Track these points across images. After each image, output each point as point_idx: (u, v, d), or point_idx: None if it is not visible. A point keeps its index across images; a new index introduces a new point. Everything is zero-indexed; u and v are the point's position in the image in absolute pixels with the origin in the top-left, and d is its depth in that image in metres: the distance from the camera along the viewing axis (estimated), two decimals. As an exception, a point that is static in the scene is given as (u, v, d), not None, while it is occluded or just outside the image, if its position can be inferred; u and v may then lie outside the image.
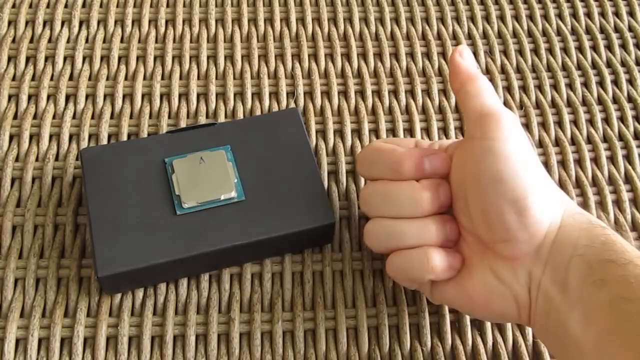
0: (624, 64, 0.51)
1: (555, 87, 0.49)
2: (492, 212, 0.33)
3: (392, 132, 0.46)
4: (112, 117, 0.45)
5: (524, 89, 0.49)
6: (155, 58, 0.48)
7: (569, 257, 0.32)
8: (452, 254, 0.35)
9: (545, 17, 0.53)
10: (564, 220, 0.34)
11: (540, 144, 0.46)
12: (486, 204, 0.33)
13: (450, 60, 0.37)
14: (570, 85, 0.49)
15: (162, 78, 0.47)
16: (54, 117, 0.45)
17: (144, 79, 0.47)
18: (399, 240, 0.36)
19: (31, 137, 0.44)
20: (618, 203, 0.44)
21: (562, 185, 0.44)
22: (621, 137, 0.47)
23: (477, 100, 0.35)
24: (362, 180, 0.43)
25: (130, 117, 0.45)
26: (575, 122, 0.47)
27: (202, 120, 0.45)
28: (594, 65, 0.51)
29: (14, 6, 0.50)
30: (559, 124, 0.47)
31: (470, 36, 0.51)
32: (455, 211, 0.36)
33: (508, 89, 0.49)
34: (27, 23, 0.49)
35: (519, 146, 0.33)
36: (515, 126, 0.34)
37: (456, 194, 0.36)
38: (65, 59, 0.48)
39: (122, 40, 0.49)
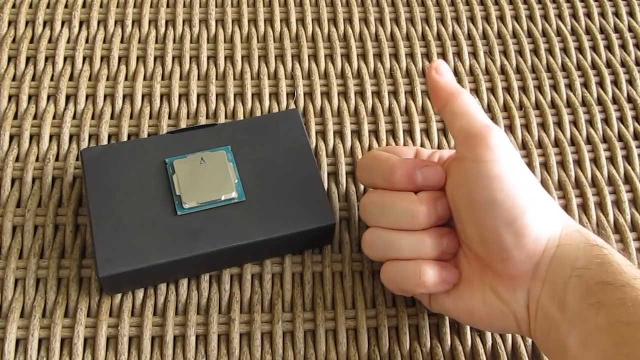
0: (623, 64, 0.51)
1: (554, 87, 0.49)
2: (488, 233, 0.33)
3: (392, 133, 0.46)
4: (112, 117, 0.45)
5: (523, 89, 0.49)
6: (155, 58, 0.48)
7: (567, 277, 0.32)
8: (447, 269, 0.35)
9: (545, 17, 0.53)
10: (562, 239, 0.33)
11: (540, 144, 0.46)
12: (482, 225, 0.33)
13: (427, 78, 0.36)
14: (570, 86, 0.49)
15: (162, 78, 0.47)
16: (54, 117, 0.45)
17: (144, 79, 0.47)
18: (394, 252, 0.36)
19: (31, 137, 0.44)
20: (617, 204, 0.44)
21: (561, 185, 0.44)
22: (621, 138, 0.47)
23: (463, 119, 0.34)
24: (362, 181, 0.43)
25: (131, 118, 0.45)
26: (574, 123, 0.47)
27: (202, 120, 0.45)
28: (594, 66, 0.51)
29: (14, 6, 0.50)
30: (559, 124, 0.47)
31: (470, 37, 0.51)
32: (455, 226, 0.36)
33: (508, 89, 0.49)
34: (27, 23, 0.49)
35: (511, 165, 0.33)
36: (506, 144, 0.33)
37: (453, 210, 0.35)
38: (65, 59, 0.48)
39: (122, 41, 0.49)
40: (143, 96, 0.46)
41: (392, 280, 0.36)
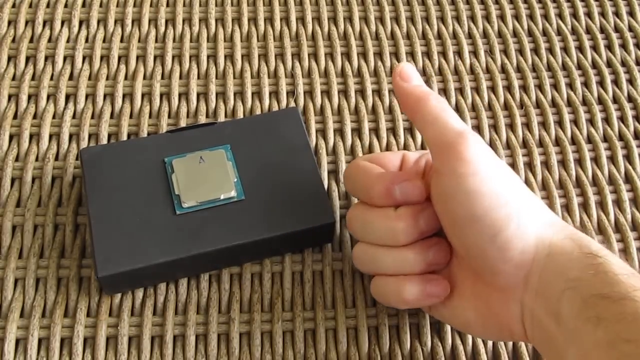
0: (624, 63, 0.51)
1: (555, 86, 0.49)
2: (472, 249, 0.32)
3: (392, 131, 0.46)
4: (112, 116, 0.45)
5: (524, 88, 0.49)
6: (155, 57, 0.48)
7: (561, 290, 0.30)
8: (433, 283, 0.34)
9: (546, 16, 0.53)
10: (552, 247, 0.31)
11: (541, 143, 0.46)
12: (465, 241, 0.32)
13: (393, 86, 0.34)
14: (571, 85, 0.49)
15: (162, 77, 0.47)
16: (53, 117, 0.45)
17: (144, 78, 0.47)
18: (378, 268, 0.35)
19: (31, 136, 0.44)
20: (618, 203, 0.44)
21: (562, 184, 0.44)
22: (621, 137, 0.47)
23: (435, 127, 0.32)
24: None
25: (130, 117, 0.45)
26: (575, 122, 0.47)
27: (202, 119, 0.45)
28: (594, 65, 0.50)
29: (14, 6, 0.50)
30: (559, 123, 0.47)
31: (470, 35, 0.51)
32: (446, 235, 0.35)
33: (508, 88, 0.49)
34: (27, 23, 0.49)
35: (490, 176, 0.31)
36: (482, 152, 0.31)
37: (441, 221, 0.34)
38: (65, 58, 0.48)
39: (122, 40, 0.49)
40: (143, 95, 0.46)
41: (379, 296, 0.36)
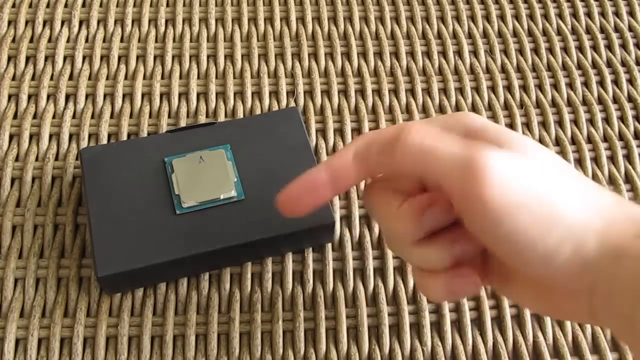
0: (624, 63, 0.50)
1: (555, 86, 0.49)
2: (526, 272, 0.28)
3: (392, 131, 0.46)
4: (112, 116, 0.45)
5: (524, 88, 0.49)
6: (155, 57, 0.48)
7: (636, 297, 0.25)
8: (461, 279, 0.30)
9: (546, 16, 0.53)
10: (621, 251, 0.26)
11: (541, 143, 0.46)
12: (516, 267, 0.27)
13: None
14: (571, 85, 0.49)
15: (162, 77, 0.47)
16: (53, 117, 0.45)
17: (144, 78, 0.47)
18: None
19: (31, 136, 0.44)
20: (618, 202, 0.44)
21: (562, 184, 0.44)
22: (621, 137, 0.47)
23: (428, 169, 0.27)
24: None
25: (130, 117, 0.45)
26: (575, 122, 0.47)
27: (202, 119, 0.45)
28: (594, 65, 0.50)
29: (14, 6, 0.50)
30: (559, 123, 0.47)
31: (470, 35, 0.51)
32: None
33: (508, 88, 0.49)
34: (27, 23, 0.49)
35: (525, 204, 0.25)
36: (504, 178, 0.25)
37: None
38: (65, 58, 0.48)
39: (122, 40, 0.49)
40: (143, 95, 0.46)
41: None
